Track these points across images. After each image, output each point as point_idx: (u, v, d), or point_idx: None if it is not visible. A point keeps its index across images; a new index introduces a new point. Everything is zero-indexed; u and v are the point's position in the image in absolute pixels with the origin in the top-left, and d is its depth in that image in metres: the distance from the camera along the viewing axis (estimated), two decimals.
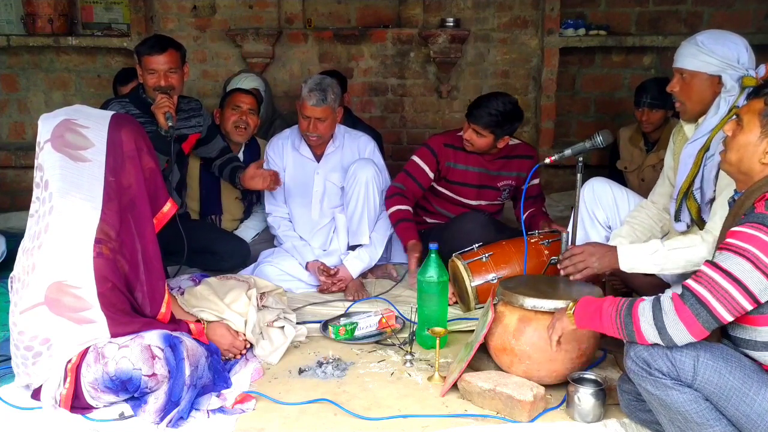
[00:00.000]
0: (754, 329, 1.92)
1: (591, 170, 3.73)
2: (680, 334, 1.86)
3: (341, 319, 3.05)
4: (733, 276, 1.83)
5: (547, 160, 2.79)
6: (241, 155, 3.86)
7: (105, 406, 2.30)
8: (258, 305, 2.77)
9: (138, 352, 2.22)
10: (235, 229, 3.94)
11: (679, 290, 1.90)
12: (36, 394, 2.33)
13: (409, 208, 3.49)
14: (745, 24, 4.83)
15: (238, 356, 2.66)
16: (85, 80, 5.12)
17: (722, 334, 2.02)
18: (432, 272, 2.77)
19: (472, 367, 2.52)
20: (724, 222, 2.08)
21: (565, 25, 4.86)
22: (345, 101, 4.15)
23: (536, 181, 3.69)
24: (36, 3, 4.76)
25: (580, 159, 2.71)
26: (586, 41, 4.84)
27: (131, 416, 2.29)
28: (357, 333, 2.91)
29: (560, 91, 5.01)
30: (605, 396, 2.29)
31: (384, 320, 2.92)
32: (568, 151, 2.75)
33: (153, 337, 2.26)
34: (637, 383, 1.99)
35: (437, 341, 2.60)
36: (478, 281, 3.08)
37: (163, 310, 2.41)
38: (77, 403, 2.28)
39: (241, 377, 2.53)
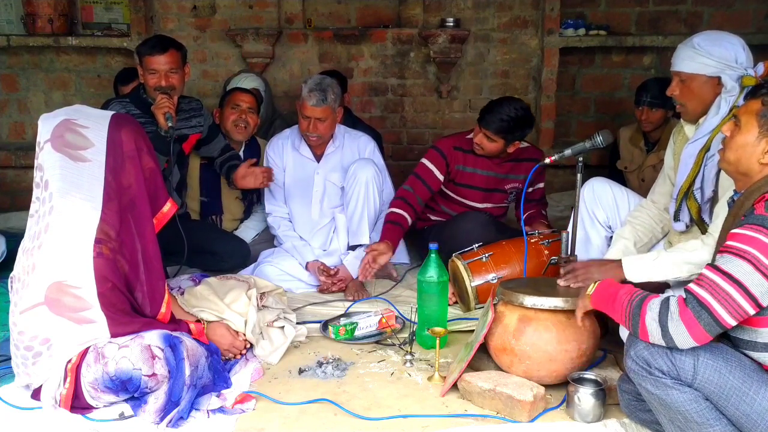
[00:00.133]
0: (754, 330, 1.92)
1: (591, 170, 3.73)
2: (681, 335, 1.85)
3: (341, 319, 3.05)
4: (733, 278, 1.83)
5: (547, 160, 2.80)
6: (241, 155, 3.86)
7: (105, 406, 2.30)
8: (258, 305, 2.77)
9: (138, 352, 2.22)
10: (235, 229, 3.94)
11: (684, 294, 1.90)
12: (36, 394, 2.32)
13: (406, 214, 3.40)
14: (745, 24, 4.83)
15: (238, 356, 2.66)
16: (85, 80, 5.11)
17: (722, 335, 2.01)
18: (432, 272, 2.76)
19: (472, 367, 2.52)
20: (724, 222, 2.08)
21: (565, 25, 4.85)
22: (345, 101, 4.14)
23: (540, 185, 3.67)
24: (36, 3, 4.75)
25: (580, 159, 2.71)
26: (586, 41, 4.83)
27: (131, 416, 2.29)
28: (357, 333, 2.91)
29: (560, 91, 5.00)
30: (605, 396, 2.29)
31: (384, 320, 2.92)
32: (568, 151, 2.76)
33: (153, 337, 2.26)
34: (637, 383, 1.99)
35: (437, 341, 2.60)
36: (478, 281, 3.08)
37: (163, 310, 2.41)
38: (77, 403, 2.28)
39: (241, 377, 2.53)
